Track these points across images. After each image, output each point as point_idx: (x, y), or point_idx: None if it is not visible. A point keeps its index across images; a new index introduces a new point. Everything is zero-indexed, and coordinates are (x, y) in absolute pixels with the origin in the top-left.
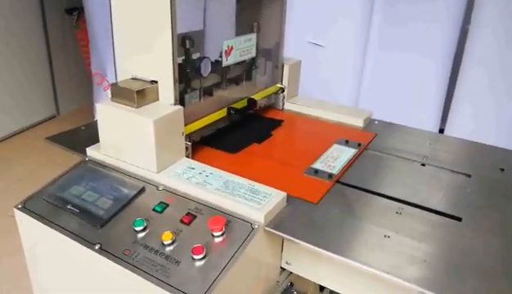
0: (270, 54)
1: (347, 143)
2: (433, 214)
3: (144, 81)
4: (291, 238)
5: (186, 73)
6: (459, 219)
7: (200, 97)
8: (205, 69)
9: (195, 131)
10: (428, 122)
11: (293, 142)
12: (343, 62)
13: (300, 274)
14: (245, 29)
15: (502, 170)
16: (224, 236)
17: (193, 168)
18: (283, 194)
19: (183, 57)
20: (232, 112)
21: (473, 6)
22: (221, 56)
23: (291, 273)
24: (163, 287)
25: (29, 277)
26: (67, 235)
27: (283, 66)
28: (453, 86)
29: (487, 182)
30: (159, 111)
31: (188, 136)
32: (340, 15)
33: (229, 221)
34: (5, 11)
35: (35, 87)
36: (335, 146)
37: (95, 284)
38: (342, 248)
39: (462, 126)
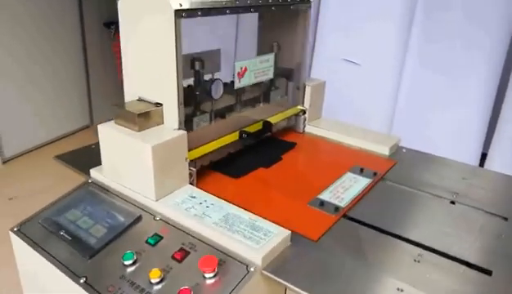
0: (291, 74)
1: (361, 171)
2: (459, 264)
3: (149, 103)
4: (292, 287)
5: (195, 96)
6: (489, 272)
7: (211, 120)
8: (216, 91)
9: (202, 156)
10: (469, 145)
11: (303, 168)
12: (377, 82)
13: None
14: (266, 49)
15: None
16: (217, 278)
17: (194, 197)
18: (286, 233)
19: (193, 79)
20: (245, 136)
21: None
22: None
23: None
24: None
25: None
26: (55, 264)
27: (305, 87)
28: (499, 107)
29: None
30: (161, 136)
31: (194, 162)
32: (376, 34)
33: (223, 261)
34: (46, 22)
35: (71, 97)
36: (348, 175)
37: None
38: None
39: (506, 150)
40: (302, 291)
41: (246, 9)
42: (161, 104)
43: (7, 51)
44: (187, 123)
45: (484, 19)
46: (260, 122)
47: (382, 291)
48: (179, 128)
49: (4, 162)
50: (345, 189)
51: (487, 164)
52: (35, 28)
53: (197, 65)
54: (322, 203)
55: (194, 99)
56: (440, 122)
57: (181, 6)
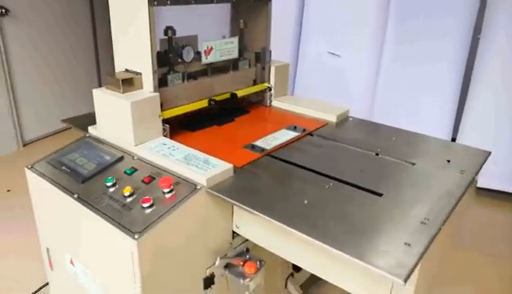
0: (259, 56)
1: (294, 128)
2: (359, 190)
3: (132, 72)
4: (224, 197)
5: (169, 58)
6: (380, 194)
7: (184, 79)
8: (187, 55)
9: (175, 116)
10: (439, 131)
11: (248, 127)
12: (358, 72)
13: (246, 237)
14: (236, 33)
15: (448, 161)
16: (172, 193)
17: (165, 144)
18: (229, 166)
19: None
20: (212, 103)
21: (484, 19)
22: None
23: (247, 240)
24: (114, 225)
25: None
26: (57, 187)
27: (270, 68)
28: (464, 98)
29: (425, 169)
30: (139, 96)
31: (167, 120)
32: (356, 30)
33: (179, 183)
34: (59, 18)
35: (83, 86)
36: (282, 130)
37: (74, 223)
38: (266, 209)
39: (472, 135)
40: (235, 202)
41: (209, 0)
42: (141, 73)
43: (33, 44)
44: (163, 80)
45: (448, 29)
46: (228, 93)
47: (295, 204)
48: (154, 91)
49: (24, 145)
50: (275, 139)
51: None
52: (58, 26)
53: (169, 33)
54: (253, 147)
55: (168, 61)
56: (413, 111)
57: None
